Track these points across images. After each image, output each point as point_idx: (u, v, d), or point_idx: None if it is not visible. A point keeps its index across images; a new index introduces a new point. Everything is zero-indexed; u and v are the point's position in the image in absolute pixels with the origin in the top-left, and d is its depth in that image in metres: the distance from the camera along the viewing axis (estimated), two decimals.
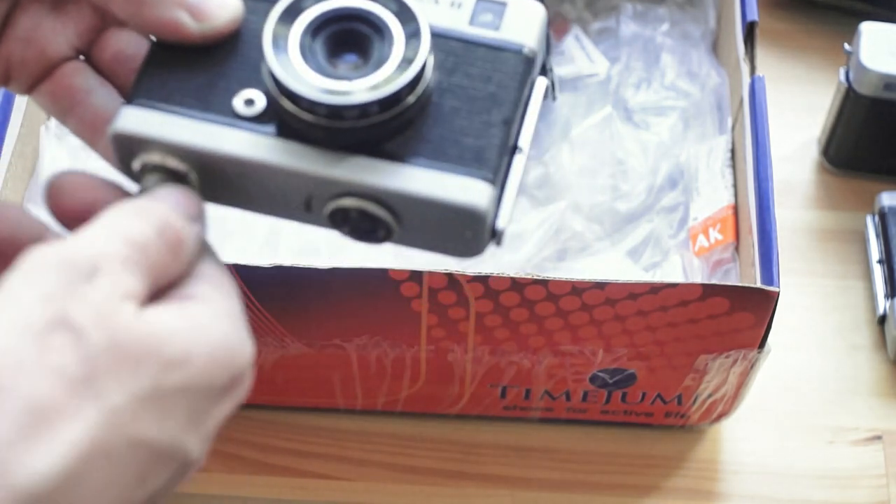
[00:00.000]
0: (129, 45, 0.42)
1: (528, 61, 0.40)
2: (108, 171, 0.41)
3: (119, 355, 0.32)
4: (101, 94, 0.42)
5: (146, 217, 0.36)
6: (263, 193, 0.39)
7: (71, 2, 0.42)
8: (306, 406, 0.67)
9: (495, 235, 0.38)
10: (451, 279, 0.56)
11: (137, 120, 0.38)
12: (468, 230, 0.38)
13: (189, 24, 0.39)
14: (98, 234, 0.35)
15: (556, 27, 0.82)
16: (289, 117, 0.38)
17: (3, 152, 0.64)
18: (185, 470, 0.34)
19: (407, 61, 0.37)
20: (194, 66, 0.39)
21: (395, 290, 0.56)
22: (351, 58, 0.39)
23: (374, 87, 0.37)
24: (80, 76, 0.42)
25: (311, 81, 0.37)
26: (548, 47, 0.76)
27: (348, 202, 0.38)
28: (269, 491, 0.65)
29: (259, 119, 0.38)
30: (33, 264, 0.33)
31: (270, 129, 0.38)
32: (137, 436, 0.32)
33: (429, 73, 0.38)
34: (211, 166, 0.38)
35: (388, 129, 0.38)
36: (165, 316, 0.34)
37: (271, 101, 0.38)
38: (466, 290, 0.56)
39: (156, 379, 0.32)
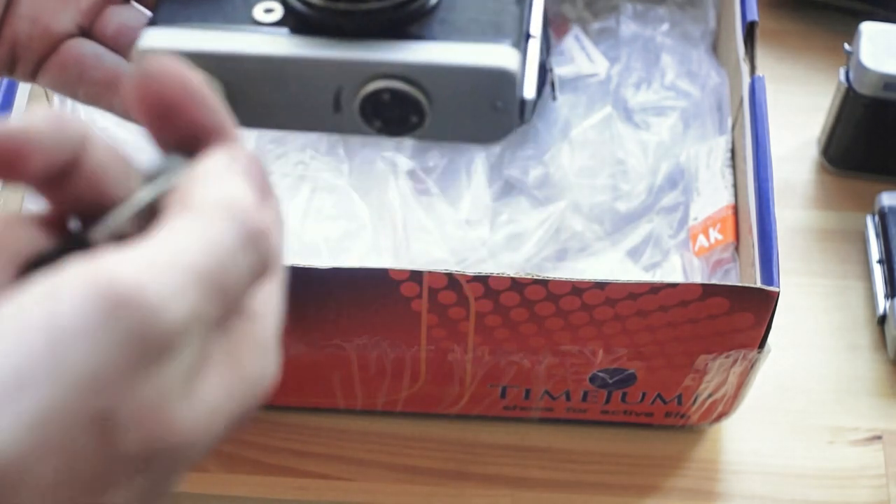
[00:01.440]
0: (131, 19, 0.43)
1: None
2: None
3: (143, 459, 0.26)
4: (109, 58, 0.43)
5: (254, 250, 0.28)
6: (291, 98, 0.39)
7: None
8: (306, 406, 0.67)
9: (522, 108, 0.39)
10: (451, 279, 0.56)
11: (162, 36, 0.39)
12: (499, 97, 0.38)
13: None
14: (186, 282, 0.26)
15: (556, 27, 0.82)
16: (310, 11, 0.38)
17: None
18: None
19: None
20: None
21: (395, 290, 0.56)
22: None
23: None
24: (87, 46, 0.43)
25: None
26: (548, 47, 0.76)
27: (379, 84, 0.38)
28: (269, 491, 0.65)
29: (280, 24, 0.39)
30: (105, 311, 0.24)
31: (293, 30, 0.39)
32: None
33: None
34: (237, 72, 0.38)
35: (408, 12, 0.38)
36: (208, 402, 0.27)
37: (290, 8, 0.39)
38: (466, 290, 0.56)
39: (161, 474, 0.27)
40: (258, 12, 0.39)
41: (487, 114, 0.39)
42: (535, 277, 0.56)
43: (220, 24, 0.39)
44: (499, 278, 0.55)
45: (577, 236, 0.70)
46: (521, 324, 0.58)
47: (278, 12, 0.39)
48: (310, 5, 0.38)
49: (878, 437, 0.67)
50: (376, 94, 0.38)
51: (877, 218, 0.74)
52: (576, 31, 0.81)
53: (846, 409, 0.68)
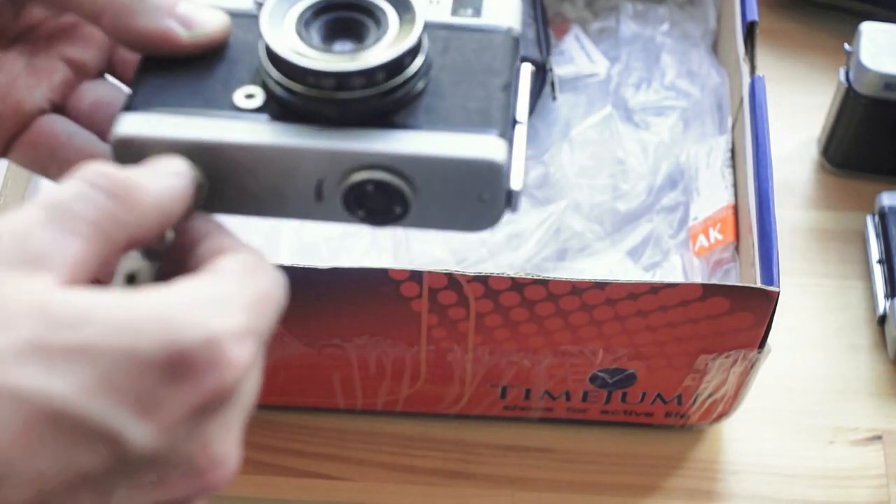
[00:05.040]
0: (107, 94, 0.42)
1: (514, 41, 0.41)
2: None
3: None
4: (82, 136, 0.42)
5: (79, 174, 0.33)
6: (272, 187, 0.38)
7: (44, 59, 0.42)
8: (306, 406, 0.67)
9: (510, 198, 0.39)
10: (451, 279, 0.56)
11: (137, 123, 0.38)
12: (486, 189, 0.38)
13: (180, 32, 0.39)
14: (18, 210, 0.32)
15: (556, 27, 0.82)
16: (293, 99, 0.38)
17: None
18: (124, 455, 0.31)
19: (406, 31, 0.38)
20: (187, 73, 0.39)
21: (395, 290, 0.56)
22: (347, 45, 0.39)
23: (378, 54, 0.37)
24: (59, 124, 0.42)
25: (313, 56, 0.37)
26: (548, 47, 0.76)
27: (362, 175, 0.37)
28: (269, 491, 0.65)
29: (261, 110, 0.38)
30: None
31: (274, 117, 0.38)
32: (4, 387, 0.29)
33: (426, 43, 0.39)
34: (217, 161, 0.38)
35: (394, 99, 0.38)
36: (81, 291, 0.31)
37: (271, 92, 0.38)
38: (466, 290, 0.56)
39: (36, 334, 0.30)
40: (239, 97, 0.38)
41: (473, 205, 0.38)
42: (535, 277, 0.56)
43: (200, 109, 0.38)
44: (499, 278, 0.55)
45: (577, 236, 0.70)
46: (521, 324, 0.58)
47: (259, 98, 0.38)
48: (292, 92, 0.37)
49: (878, 437, 0.67)
50: (360, 185, 0.37)
51: (877, 218, 0.74)
52: (576, 31, 0.81)
53: (846, 409, 0.68)
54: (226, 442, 0.34)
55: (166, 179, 0.35)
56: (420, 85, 0.38)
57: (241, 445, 0.35)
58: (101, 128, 0.42)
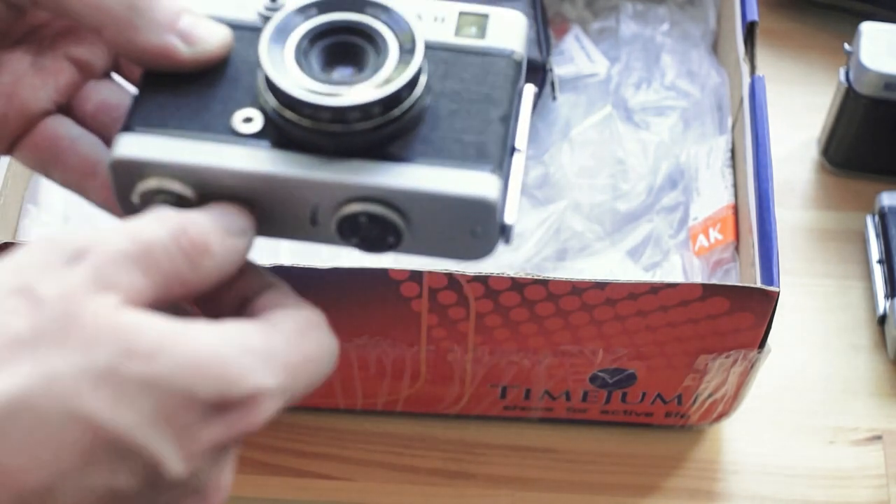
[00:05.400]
0: (112, 95, 0.42)
1: (517, 65, 0.41)
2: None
3: (73, 330, 0.32)
4: (86, 141, 0.42)
5: (163, 221, 0.35)
6: (268, 211, 0.39)
7: (50, 58, 0.42)
8: (306, 406, 0.67)
9: (504, 232, 0.39)
10: (451, 279, 0.56)
11: (136, 145, 0.38)
12: (478, 225, 0.38)
13: (181, 49, 0.39)
14: (104, 228, 0.35)
15: (556, 27, 0.82)
16: (290, 128, 0.38)
17: None
18: (156, 480, 0.33)
19: (404, 63, 0.38)
20: (188, 92, 0.39)
21: (395, 290, 0.56)
22: (346, 70, 0.39)
23: (375, 88, 0.37)
24: (64, 127, 0.42)
25: (310, 87, 0.37)
26: (548, 47, 0.76)
27: (356, 207, 0.38)
28: (269, 491, 0.65)
29: (259, 135, 0.38)
30: (29, 244, 0.34)
31: (272, 143, 0.38)
32: (78, 410, 0.31)
33: (425, 74, 0.39)
34: (214, 186, 0.38)
35: (390, 131, 0.38)
36: (153, 319, 0.33)
37: (269, 118, 0.38)
38: (466, 290, 0.56)
39: (113, 362, 0.32)
40: (237, 121, 0.38)
41: (466, 238, 0.39)
42: (535, 277, 0.56)
43: (198, 132, 0.38)
44: (499, 278, 0.55)
45: (577, 236, 0.70)
46: (521, 324, 0.58)
47: (258, 122, 0.38)
48: (288, 121, 0.38)
49: (878, 437, 0.67)
50: (353, 216, 0.38)
51: (877, 218, 0.74)
52: (576, 31, 0.81)
53: (846, 409, 0.68)
54: (228, 470, 0.36)
55: (232, 240, 0.37)
56: (417, 114, 0.38)
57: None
58: (105, 130, 0.42)
